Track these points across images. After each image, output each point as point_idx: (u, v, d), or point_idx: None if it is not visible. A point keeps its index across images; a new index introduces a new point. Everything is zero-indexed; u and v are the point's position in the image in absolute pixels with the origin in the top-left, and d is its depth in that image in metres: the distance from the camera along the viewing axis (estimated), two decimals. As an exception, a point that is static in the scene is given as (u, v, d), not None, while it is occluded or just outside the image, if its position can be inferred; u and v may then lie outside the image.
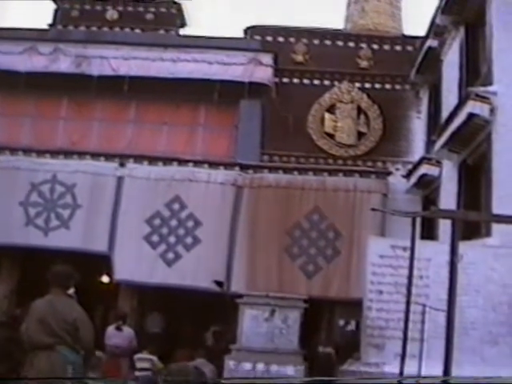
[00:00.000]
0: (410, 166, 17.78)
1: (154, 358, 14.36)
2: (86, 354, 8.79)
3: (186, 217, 17.39)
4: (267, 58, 18.73)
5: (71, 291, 9.03)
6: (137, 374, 14.16)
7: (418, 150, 18.30)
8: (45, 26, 19.93)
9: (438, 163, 16.01)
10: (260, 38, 19.50)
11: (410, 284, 9.54)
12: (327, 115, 18.95)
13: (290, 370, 14.70)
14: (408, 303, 9.49)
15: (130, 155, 18.19)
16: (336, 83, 19.16)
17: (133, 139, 19.27)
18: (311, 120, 18.92)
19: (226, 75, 18.34)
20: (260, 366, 14.74)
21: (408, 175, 17.64)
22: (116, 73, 18.46)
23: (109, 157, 18.04)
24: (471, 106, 12.83)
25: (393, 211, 15.52)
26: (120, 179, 17.68)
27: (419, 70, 18.09)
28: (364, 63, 19.24)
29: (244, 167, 17.87)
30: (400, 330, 9.71)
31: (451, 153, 14.58)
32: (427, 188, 17.14)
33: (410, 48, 19.11)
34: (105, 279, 18.76)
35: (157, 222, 17.37)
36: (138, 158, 17.99)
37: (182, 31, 20.02)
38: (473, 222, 12.58)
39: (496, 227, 11.99)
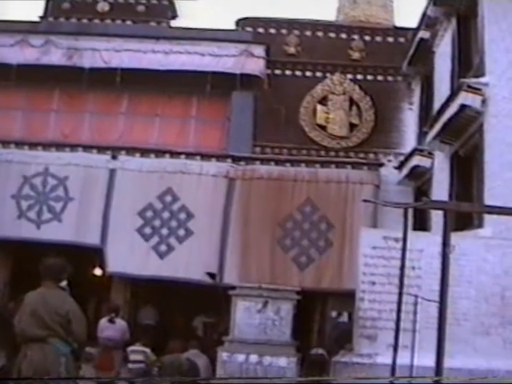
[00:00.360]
0: (401, 158, 17.81)
1: (147, 350, 14.38)
2: (79, 347, 8.80)
3: (178, 209, 17.38)
4: (259, 50, 18.70)
5: (64, 284, 9.04)
6: (130, 366, 14.18)
7: (409, 141, 18.32)
8: (36, 19, 19.86)
9: (430, 154, 16.03)
10: (252, 29, 19.47)
11: (403, 275, 9.56)
12: (319, 107, 18.96)
13: (282, 362, 14.73)
14: (400, 294, 9.51)
15: (122, 147, 18.13)
16: (328, 75, 19.15)
17: (125, 131, 19.25)
18: (303, 112, 18.92)
19: (218, 67, 18.31)
20: (253, 358, 14.77)
21: (400, 166, 17.66)
22: (107, 65, 18.41)
23: (101, 149, 17.98)
24: (463, 98, 12.85)
25: (385, 202, 15.54)
26: (112, 172, 17.64)
27: (411, 61, 18.10)
28: (356, 55, 19.24)
29: (236, 159, 17.86)
30: (392, 321, 9.73)
31: (443, 144, 14.60)
32: (419, 179, 17.17)
33: (401, 39, 19.11)
34: (97, 272, 18.73)
35: (149, 214, 17.35)
36: (130, 151, 17.94)
37: (173, 23, 19.97)
38: (465, 213, 12.62)
39: (488, 218, 12.03)
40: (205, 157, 17.89)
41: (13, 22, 19.36)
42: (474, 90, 12.75)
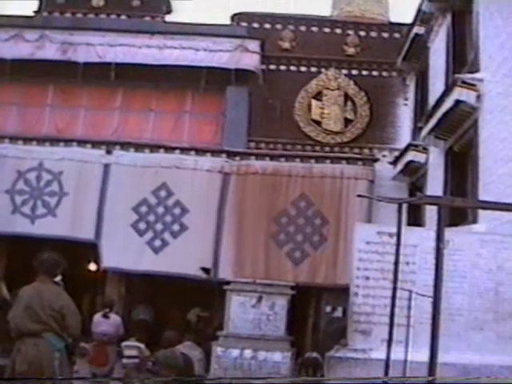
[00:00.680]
0: (396, 153, 17.81)
1: (141, 345, 14.39)
2: (73, 342, 8.81)
3: (172, 204, 17.36)
4: (254, 45, 18.68)
5: (58, 279, 9.04)
6: (124, 361, 14.19)
7: (404, 136, 18.34)
8: (30, 13, 19.80)
9: (425, 150, 16.04)
10: (246, 24, 19.44)
11: (397, 270, 9.55)
12: (314, 102, 18.94)
13: (277, 357, 14.75)
14: (394, 289, 9.50)
15: (117, 142, 18.11)
16: (323, 70, 19.14)
17: (119, 126, 19.22)
18: (298, 107, 18.91)
19: (213, 62, 18.28)
20: (247, 353, 14.79)
21: (395, 162, 17.67)
22: (102, 59, 18.37)
23: (95, 144, 17.96)
24: (458, 93, 12.84)
25: (379, 197, 15.56)
26: (107, 166, 17.61)
27: (406, 56, 18.09)
28: (351, 50, 19.23)
29: (231, 154, 17.85)
30: (386, 316, 9.73)
31: (438, 139, 14.61)
32: (414, 175, 17.18)
33: (396, 35, 19.09)
34: (92, 267, 18.74)
35: (144, 209, 17.34)
36: (125, 145, 17.92)
37: (168, 18, 19.92)
38: (459, 208, 12.63)
39: (482, 214, 12.04)
40: (199, 152, 17.88)
41: (7, 17, 19.28)
42: (469, 85, 12.75)
